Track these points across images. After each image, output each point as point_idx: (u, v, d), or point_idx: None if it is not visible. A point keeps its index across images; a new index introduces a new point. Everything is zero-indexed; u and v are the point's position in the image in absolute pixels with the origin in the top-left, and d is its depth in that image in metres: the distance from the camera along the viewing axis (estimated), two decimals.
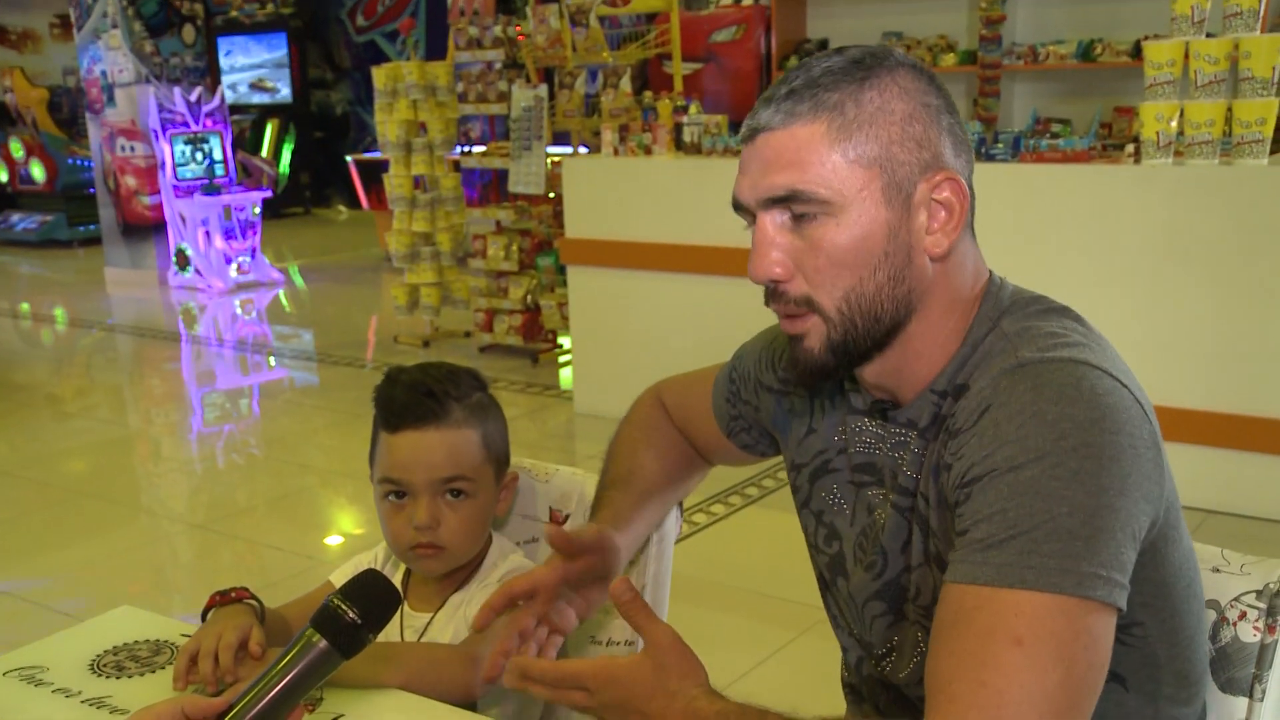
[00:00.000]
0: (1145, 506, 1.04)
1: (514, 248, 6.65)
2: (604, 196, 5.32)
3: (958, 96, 7.55)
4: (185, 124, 9.37)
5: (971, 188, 1.19)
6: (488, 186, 8.89)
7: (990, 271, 1.24)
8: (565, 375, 6.41)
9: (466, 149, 7.22)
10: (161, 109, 9.28)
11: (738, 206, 1.18)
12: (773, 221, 1.15)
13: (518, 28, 6.53)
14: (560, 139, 7.06)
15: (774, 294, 1.17)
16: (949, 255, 1.17)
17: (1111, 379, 1.07)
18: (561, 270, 6.20)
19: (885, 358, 1.19)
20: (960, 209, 1.15)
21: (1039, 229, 4.19)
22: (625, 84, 6.14)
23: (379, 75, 7.00)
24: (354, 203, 13.85)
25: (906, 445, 1.21)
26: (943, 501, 1.13)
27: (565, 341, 6.75)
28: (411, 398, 1.50)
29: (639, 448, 1.57)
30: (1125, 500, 1.01)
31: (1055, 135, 4.55)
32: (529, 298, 6.66)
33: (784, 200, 1.13)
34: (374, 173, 10.53)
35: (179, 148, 9.32)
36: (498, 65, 6.63)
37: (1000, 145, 4.31)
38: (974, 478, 1.05)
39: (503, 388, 6.17)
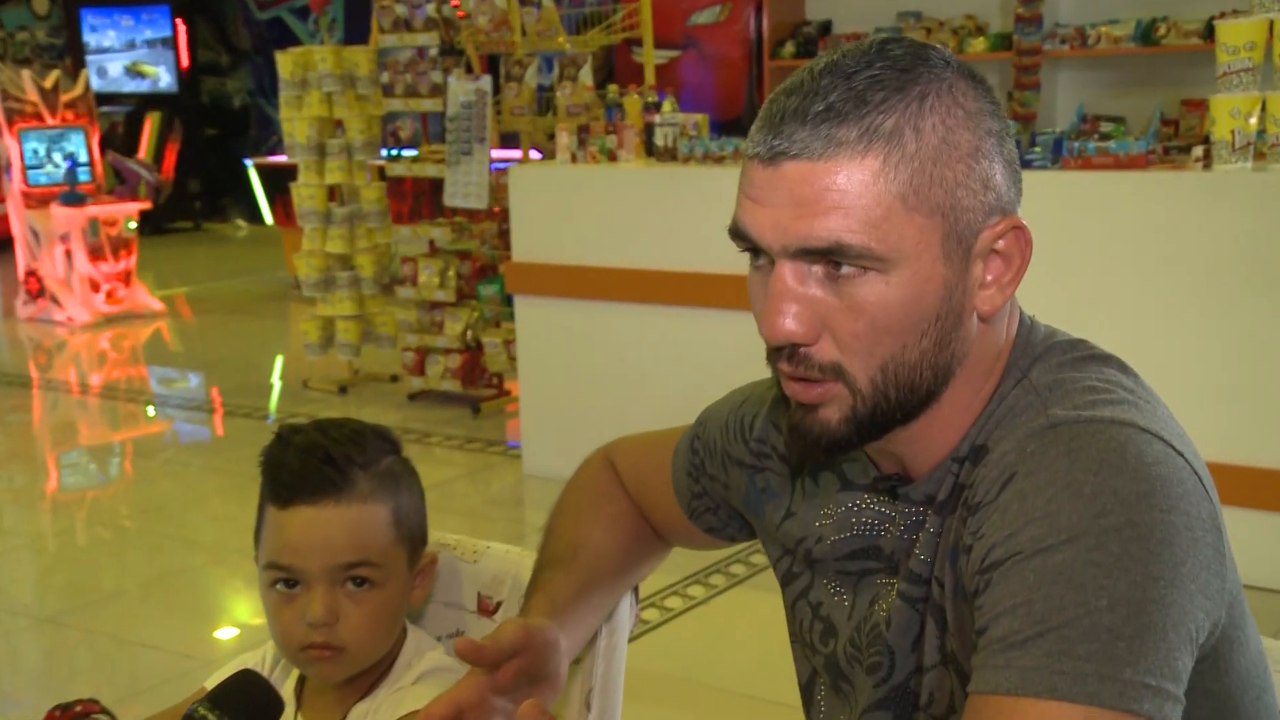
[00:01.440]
0: (1204, 604, 1.04)
1: (451, 273, 6.66)
2: (559, 212, 5.35)
3: None
4: (39, 116, 9.34)
5: None
6: (419, 199, 8.90)
7: (1020, 311, 1.25)
8: (513, 428, 6.40)
9: (393, 153, 7.25)
10: (7, 96, 9.24)
11: (741, 236, 1.16)
12: (798, 271, 1.13)
13: (455, 3, 6.58)
14: (507, 142, 7.09)
15: (791, 355, 1.15)
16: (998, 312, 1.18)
17: (1163, 444, 1.08)
18: (508, 301, 6.21)
19: (907, 428, 1.19)
20: (1021, 261, 1.17)
21: (1084, 251, 4.24)
22: (586, 75, 6.19)
23: (285, 61, 7.03)
24: (255, 216, 13.86)
25: (922, 525, 1.22)
26: (960, 590, 1.13)
27: (512, 388, 6.75)
28: (306, 465, 1.50)
29: (585, 520, 1.57)
30: (1178, 594, 1.01)
31: (1106, 136, 4.60)
32: (469, 334, 6.66)
33: (824, 253, 1.11)
34: (280, 180, 10.53)
35: (30, 146, 9.28)
36: (431, 52, 6.67)
37: (1038, 149, 4.36)
38: (995, 562, 1.05)
39: (437, 443, 6.15)
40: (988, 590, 1.05)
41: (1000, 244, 1.15)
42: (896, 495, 1.24)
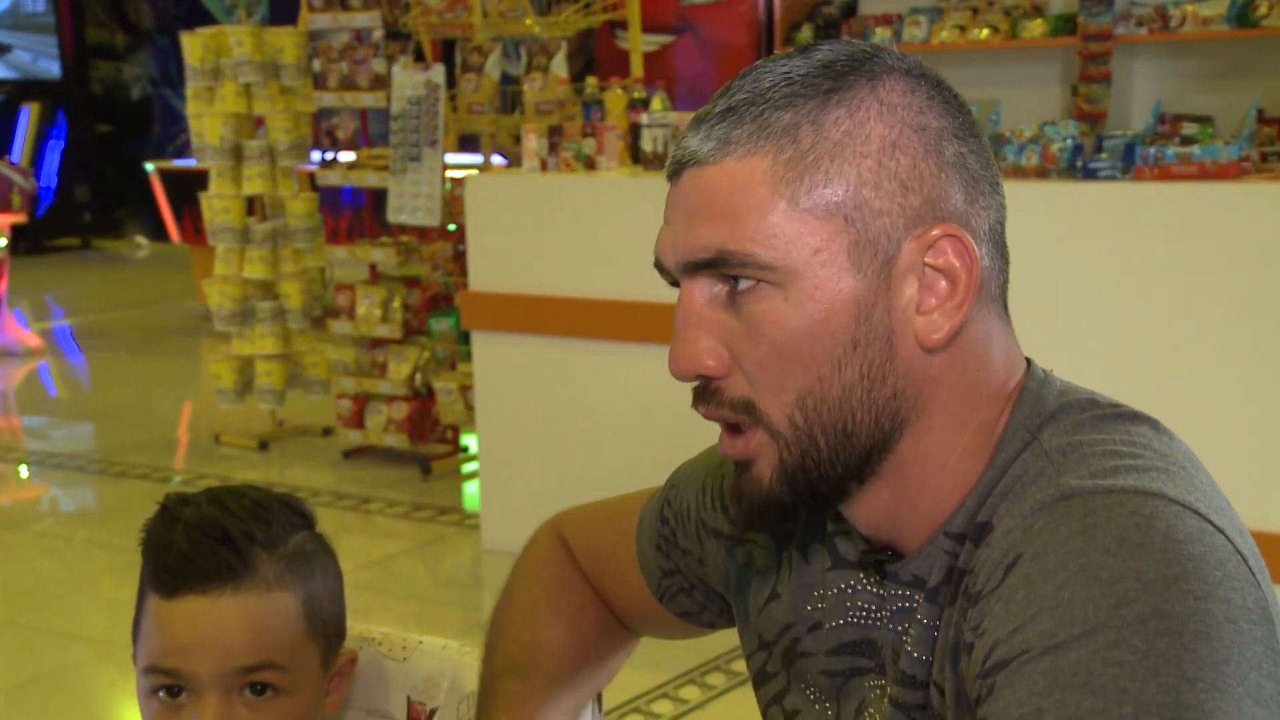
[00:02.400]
0: (1254, 711, 1.02)
1: (396, 305, 6.69)
2: (527, 231, 5.38)
3: (1049, 82, 7.70)
4: None
5: (1000, 244, 1.22)
6: (358, 214, 8.93)
7: (1029, 362, 1.27)
8: (470, 492, 6.41)
9: (326, 158, 7.29)
10: None
11: (660, 267, 1.23)
12: (701, 293, 1.19)
13: None
14: (464, 145, 7.13)
15: (704, 393, 1.21)
16: (953, 344, 1.19)
17: (1198, 518, 1.08)
18: (465, 338, 6.23)
19: (873, 491, 1.21)
20: (969, 277, 1.17)
21: (1159, 282, 4.27)
22: (559, 65, 6.23)
23: (193, 45, 7.07)
24: (158, 233, 13.89)
25: (911, 613, 1.23)
26: (963, 698, 1.14)
27: (470, 442, 6.76)
28: (197, 545, 1.48)
29: (541, 615, 1.59)
30: (1222, 699, 1.00)
31: (1189, 139, 4.63)
32: (417, 379, 6.68)
33: (710, 265, 1.17)
34: (188, 189, 10.57)
35: None
36: (373, 35, 6.72)
37: (1105, 155, 4.39)
38: (999, 663, 1.06)
39: (377, 511, 6.16)
40: (991, 697, 1.05)
41: (934, 257, 1.17)
42: (884, 573, 1.26)
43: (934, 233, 1.16)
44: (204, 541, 1.49)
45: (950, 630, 1.18)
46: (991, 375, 1.22)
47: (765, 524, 1.22)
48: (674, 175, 1.20)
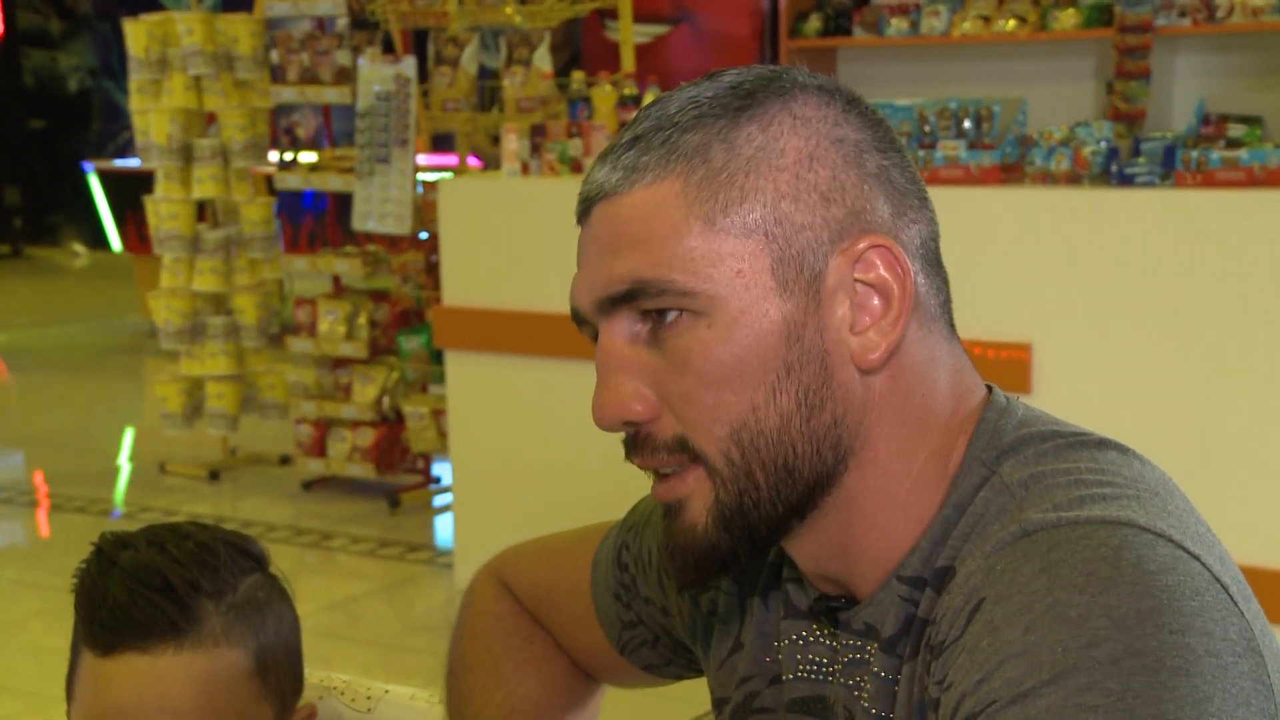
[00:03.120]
0: None
1: (361, 321, 6.69)
2: (506, 240, 5.39)
3: (1082, 78, 7.71)
4: None
5: (935, 261, 1.25)
6: (320, 221, 8.94)
7: (990, 389, 1.29)
8: (442, 527, 6.41)
9: (285, 159, 7.30)
10: None
11: (578, 318, 1.26)
12: (621, 334, 1.21)
13: None
14: (438, 145, 7.14)
15: (636, 443, 1.22)
16: (892, 364, 1.21)
17: (1171, 545, 1.10)
18: (437, 358, 6.24)
19: (818, 528, 1.23)
20: (902, 290, 1.20)
21: (1202, 296, 4.29)
22: (542, 58, 6.24)
23: (137, 33, 7.08)
24: (97, 240, 13.89)
25: (866, 665, 1.25)
26: None
27: (443, 473, 6.77)
28: (135, 597, 1.47)
29: (507, 672, 1.60)
30: None
31: (1235, 142, 4.66)
32: (385, 402, 6.69)
33: (627, 298, 1.20)
34: (132, 191, 10.59)
35: None
36: (337, 24, 6.73)
37: (1143, 160, 4.41)
38: (968, 716, 1.07)
39: (340, 548, 6.17)
40: None
41: (863, 271, 1.20)
42: (837, 623, 1.27)
43: (861, 245, 1.20)
44: (142, 592, 1.47)
45: (914, 686, 1.19)
46: (938, 400, 1.24)
47: (702, 576, 1.24)
48: (583, 215, 1.24)
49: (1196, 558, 1.10)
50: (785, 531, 1.22)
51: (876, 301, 1.20)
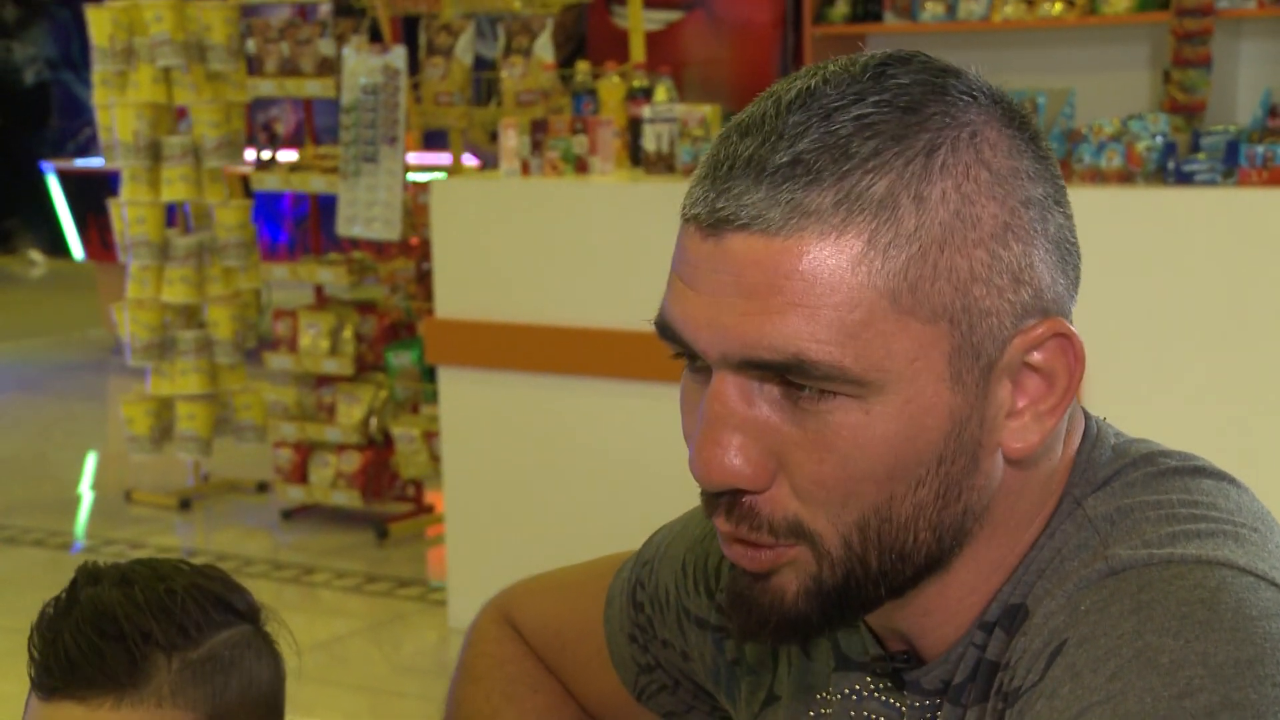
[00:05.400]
0: None
1: (347, 335, 6.69)
2: (504, 246, 5.39)
3: (1136, 66, 7.71)
4: None
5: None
6: (301, 226, 8.94)
7: (1086, 418, 1.26)
8: (435, 561, 6.40)
9: (263, 158, 7.31)
10: None
11: (670, 336, 1.18)
12: (744, 388, 1.14)
13: None
14: (430, 142, 7.14)
15: (734, 510, 1.16)
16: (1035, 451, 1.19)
17: (1274, 589, 1.10)
18: (429, 375, 6.24)
19: (907, 599, 1.21)
20: (1070, 381, 1.17)
21: (1267, 301, 4.28)
22: (543, 48, 6.25)
23: (101, 21, 7.09)
24: (57, 247, 13.90)
25: None
26: None
27: (435, 501, 6.76)
28: (82, 644, 1.47)
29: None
30: None
31: None
32: (372, 424, 6.68)
33: (779, 368, 1.12)
34: (95, 194, 10.60)
35: None
36: (319, 11, 6.74)
37: (1203, 156, 4.41)
38: None
39: (323, 584, 6.16)
40: None
41: (1037, 357, 1.16)
42: (904, 682, 1.26)
43: (1039, 330, 1.15)
44: (90, 638, 1.47)
45: None
46: (1054, 458, 1.22)
47: (777, 641, 1.22)
48: (714, 231, 1.13)
49: None
50: (878, 607, 1.20)
51: (1040, 385, 1.17)
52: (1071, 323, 1.17)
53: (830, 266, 1.09)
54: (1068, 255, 1.18)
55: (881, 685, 1.28)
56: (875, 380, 1.11)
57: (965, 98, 1.14)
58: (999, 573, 1.21)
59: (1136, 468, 1.21)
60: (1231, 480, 1.22)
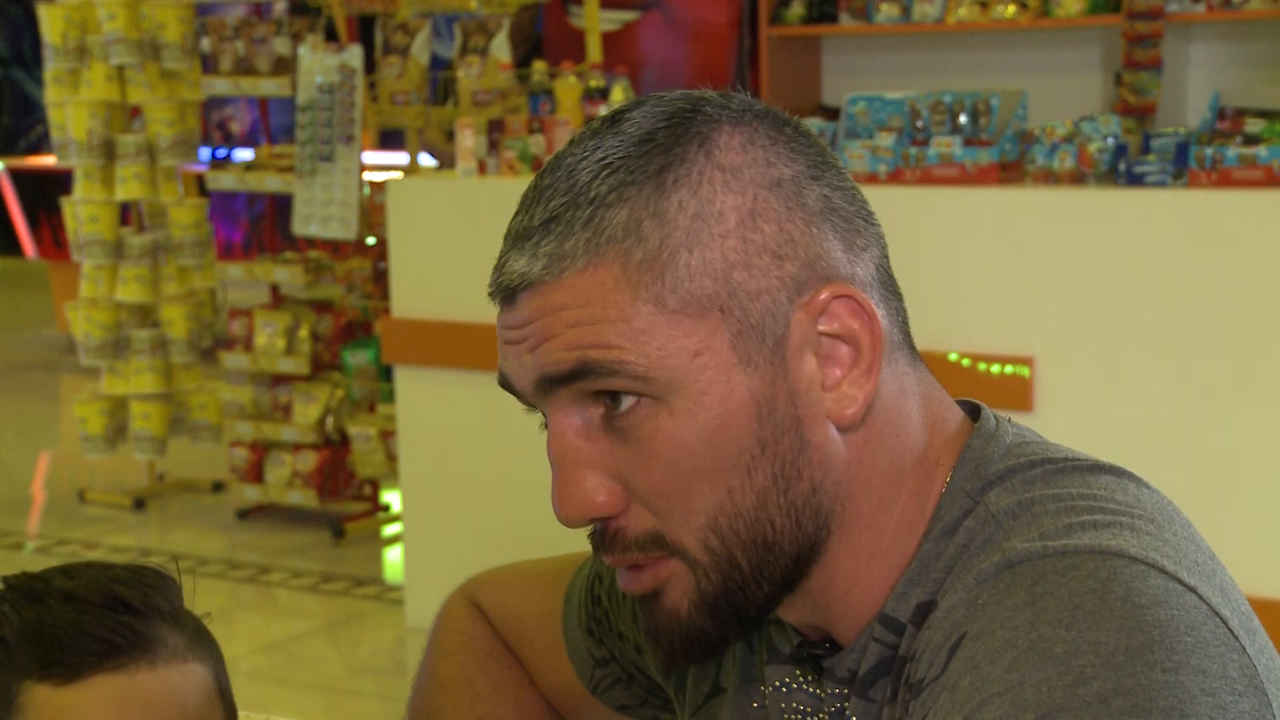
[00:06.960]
0: None
1: (303, 334, 6.68)
2: (461, 246, 5.38)
3: (1088, 69, 7.75)
4: None
5: (889, 283, 1.25)
6: (256, 224, 8.93)
7: (979, 410, 1.30)
8: (391, 560, 6.41)
9: (218, 156, 7.29)
10: None
11: (507, 388, 1.27)
12: (574, 422, 1.22)
13: None
14: (387, 142, 7.14)
15: (605, 540, 1.23)
16: (867, 414, 1.22)
17: (1164, 577, 1.12)
18: (386, 375, 6.23)
19: (802, 592, 1.24)
20: (871, 338, 1.21)
21: (1217, 303, 4.31)
22: (500, 47, 6.25)
23: (52, 18, 7.07)
24: (8, 245, 13.84)
25: (843, 715, 1.26)
26: None
27: (392, 500, 6.76)
28: (89, 617, 1.48)
29: (482, 691, 1.62)
30: None
31: (1253, 139, 4.67)
32: (329, 423, 6.68)
33: (572, 378, 1.19)
34: (48, 192, 10.56)
35: None
36: (275, 9, 6.73)
37: (1153, 157, 4.43)
38: None
39: (279, 583, 6.15)
40: None
41: (827, 322, 1.20)
42: (821, 669, 1.29)
43: (821, 296, 1.20)
44: (97, 611, 1.48)
45: None
46: (912, 437, 1.25)
47: (690, 659, 1.25)
48: (508, 301, 1.23)
49: (1193, 589, 1.12)
50: (775, 606, 1.24)
51: (845, 350, 1.21)
52: (866, 285, 1.22)
53: (597, 292, 1.17)
54: (841, 221, 1.23)
55: (808, 676, 1.31)
56: (664, 379, 1.17)
57: (698, 114, 1.22)
58: (882, 559, 1.24)
59: (1035, 465, 1.24)
60: (1132, 476, 1.25)
